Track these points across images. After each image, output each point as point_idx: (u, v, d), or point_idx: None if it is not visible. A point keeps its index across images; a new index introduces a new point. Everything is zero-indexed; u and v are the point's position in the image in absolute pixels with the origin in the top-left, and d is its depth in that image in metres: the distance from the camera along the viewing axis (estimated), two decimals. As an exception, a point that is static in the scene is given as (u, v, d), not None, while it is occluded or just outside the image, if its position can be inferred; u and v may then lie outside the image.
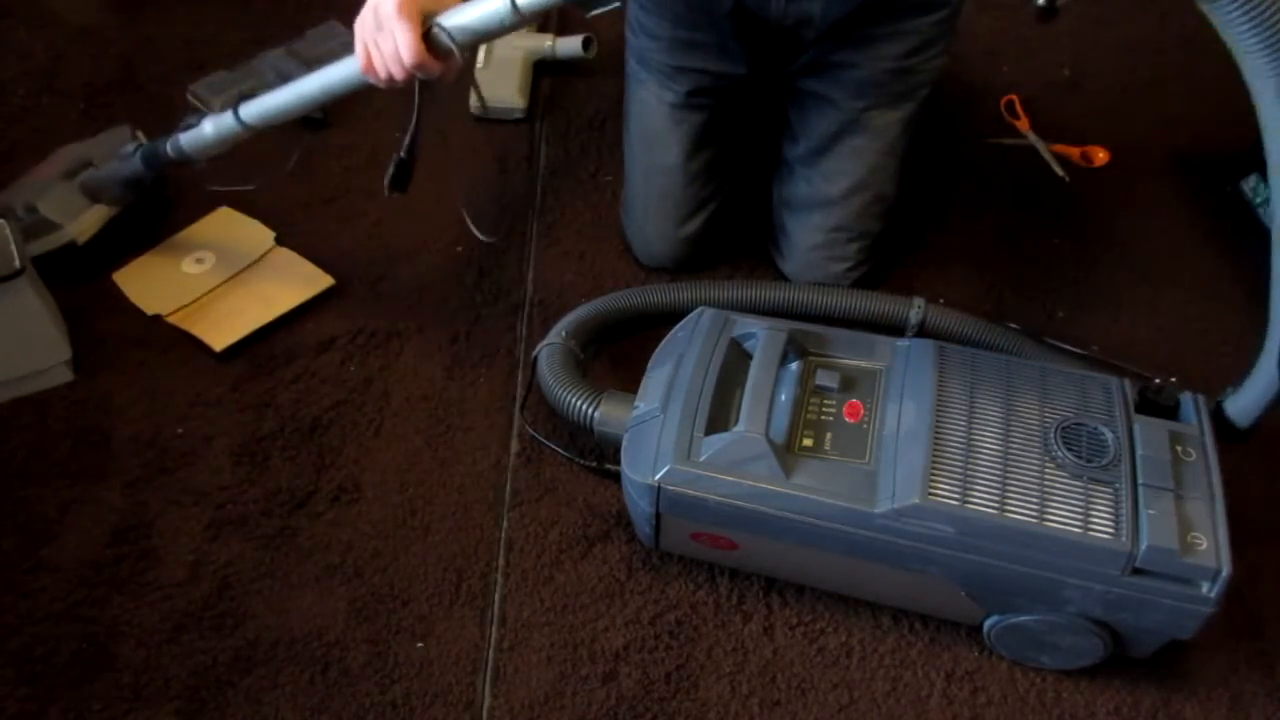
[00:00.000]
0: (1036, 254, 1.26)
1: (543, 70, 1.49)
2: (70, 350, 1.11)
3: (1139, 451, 0.82)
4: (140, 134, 1.34)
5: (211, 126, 1.03)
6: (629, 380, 1.00)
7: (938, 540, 0.80)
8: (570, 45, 1.46)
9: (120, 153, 1.16)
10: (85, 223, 1.18)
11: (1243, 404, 0.85)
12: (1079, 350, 1.11)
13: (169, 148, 1.09)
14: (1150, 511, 0.78)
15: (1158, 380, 0.90)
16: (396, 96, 1.49)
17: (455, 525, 1.00)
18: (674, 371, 0.92)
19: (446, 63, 0.87)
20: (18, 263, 1.02)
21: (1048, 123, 1.42)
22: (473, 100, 1.41)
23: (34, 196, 1.16)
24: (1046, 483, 0.80)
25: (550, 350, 1.03)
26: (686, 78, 1.11)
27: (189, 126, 1.06)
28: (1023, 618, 0.84)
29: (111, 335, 1.15)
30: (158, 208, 1.24)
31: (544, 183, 1.33)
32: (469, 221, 0.89)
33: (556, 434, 1.06)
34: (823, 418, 0.88)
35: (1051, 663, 0.89)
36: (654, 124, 1.14)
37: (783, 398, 0.88)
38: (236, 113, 1.00)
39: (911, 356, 0.90)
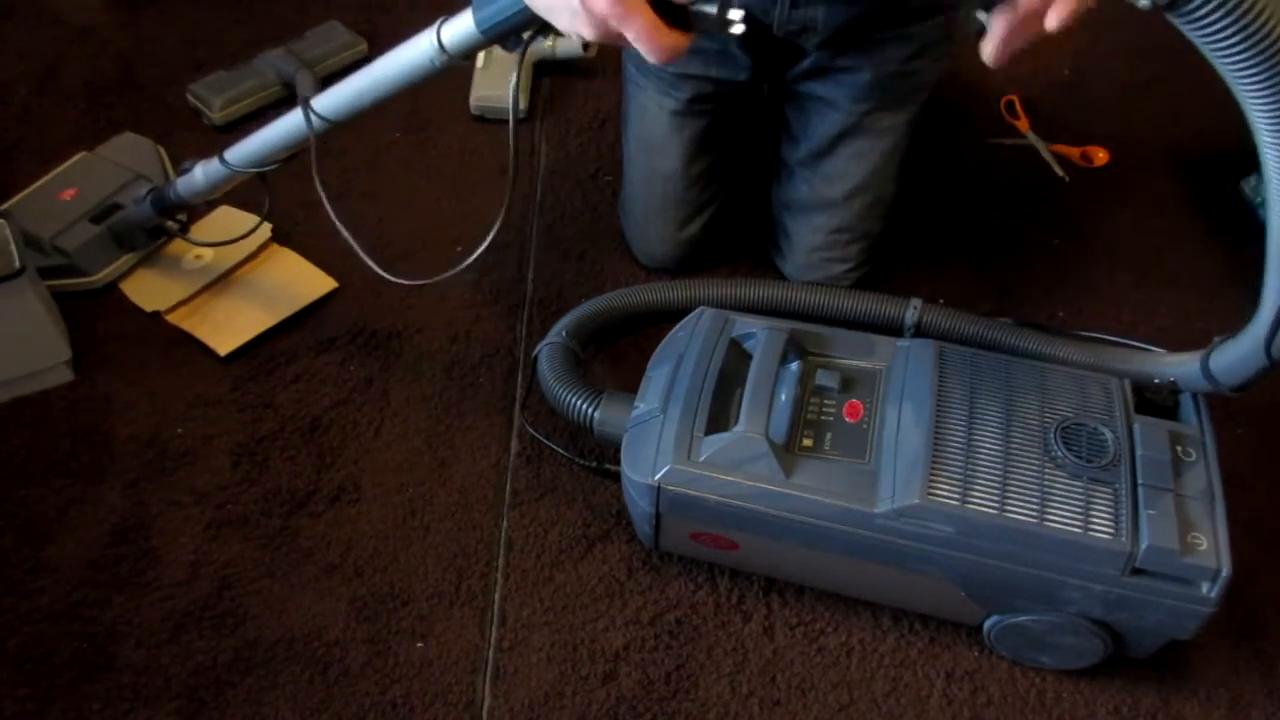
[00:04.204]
0: (1036, 254, 1.26)
1: (543, 70, 1.50)
2: (70, 350, 1.11)
3: (1139, 451, 0.82)
4: (157, 147, 1.35)
5: (202, 173, 1.06)
6: (629, 380, 1.00)
7: (938, 540, 0.80)
8: (570, 45, 1.46)
9: (135, 197, 1.18)
10: (112, 271, 1.20)
11: (1227, 362, 0.84)
12: (1083, 334, 1.10)
13: (171, 193, 1.11)
14: (1150, 511, 0.78)
15: (1157, 380, 0.90)
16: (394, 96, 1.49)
17: (455, 525, 1.00)
18: (674, 371, 0.92)
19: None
20: (18, 263, 1.02)
21: (1048, 123, 1.42)
22: (472, 100, 1.41)
23: (62, 236, 1.16)
24: (1046, 483, 0.80)
25: (550, 350, 1.03)
26: (687, 85, 1.11)
27: (185, 171, 1.08)
28: (1023, 618, 0.84)
29: (111, 335, 1.15)
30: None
31: (544, 183, 1.33)
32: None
33: (556, 434, 1.06)
34: (823, 418, 0.88)
35: (1051, 663, 0.89)
36: (654, 130, 1.14)
37: (783, 398, 0.88)
38: (222, 159, 1.02)
39: (911, 356, 0.90)
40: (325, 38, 1.50)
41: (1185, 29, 0.56)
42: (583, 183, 1.33)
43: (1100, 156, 1.37)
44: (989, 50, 0.62)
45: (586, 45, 1.45)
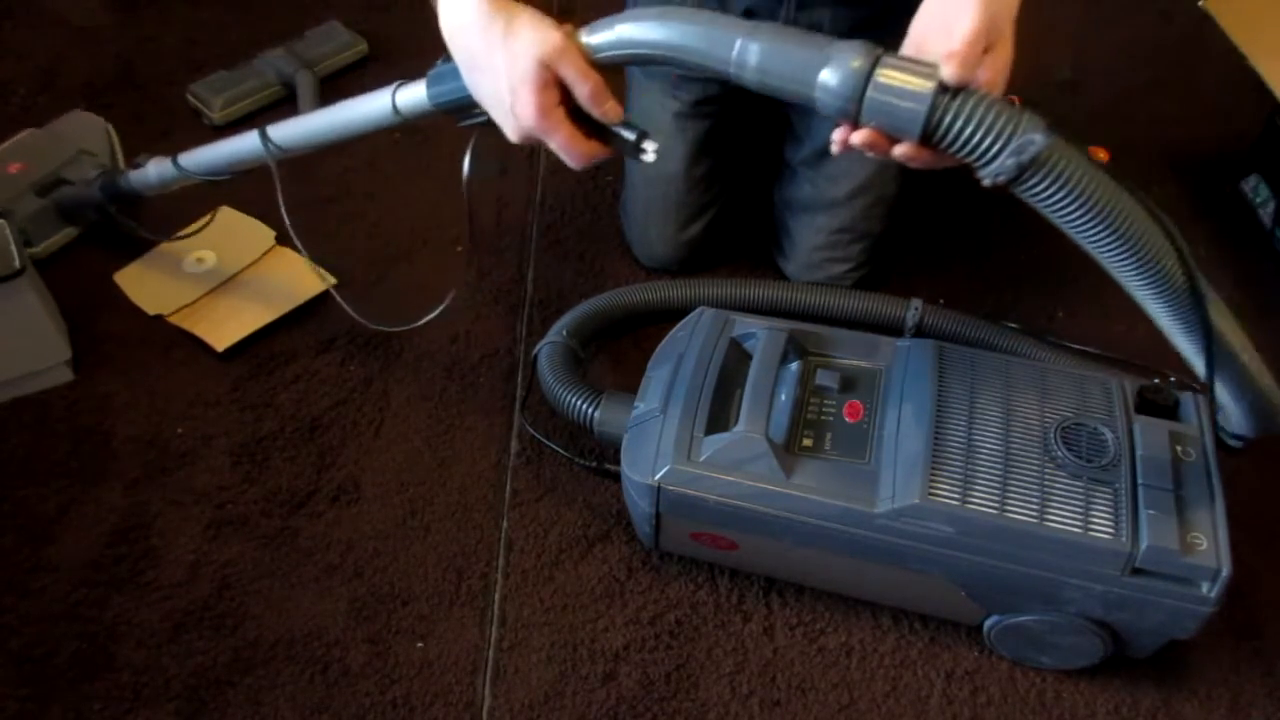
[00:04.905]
0: (1036, 254, 1.26)
1: (543, 70, 1.49)
2: (70, 350, 1.11)
3: (1139, 451, 0.82)
4: (106, 124, 1.37)
5: (154, 170, 1.10)
6: (629, 380, 1.00)
7: (938, 540, 0.80)
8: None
9: (86, 177, 1.21)
10: (54, 243, 1.24)
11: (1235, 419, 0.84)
12: (1077, 347, 1.11)
13: (123, 182, 1.15)
14: (1150, 511, 0.78)
15: (1157, 380, 0.90)
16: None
17: (455, 525, 1.00)
18: (674, 371, 0.92)
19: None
20: (18, 263, 1.02)
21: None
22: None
23: (7, 209, 1.18)
24: (1046, 483, 0.80)
25: (551, 349, 1.03)
26: (691, 87, 1.10)
27: (137, 165, 1.12)
28: (1023, 618, 0.84)
29: (111, 335, 1.15)
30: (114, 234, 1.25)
31: (544, 183, 1.33)
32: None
33: (556, 434, 1.06)
34: (823, 418, 0.88)
35: (1051, 663, 0.89)
36: (657, 132, 1.14)
37: (783, 398, 0.88)
38: (176, 161, 1.07)
39: (911, 356, 0.90)
40: (325, 38, 1.50)
41: (1029, 201, 0.63)
42: (583, 183, 1.33)
43: (1100, 156, 1.37)
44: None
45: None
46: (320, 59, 1.47)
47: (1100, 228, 0.61)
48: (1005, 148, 0.60)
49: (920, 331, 1.09)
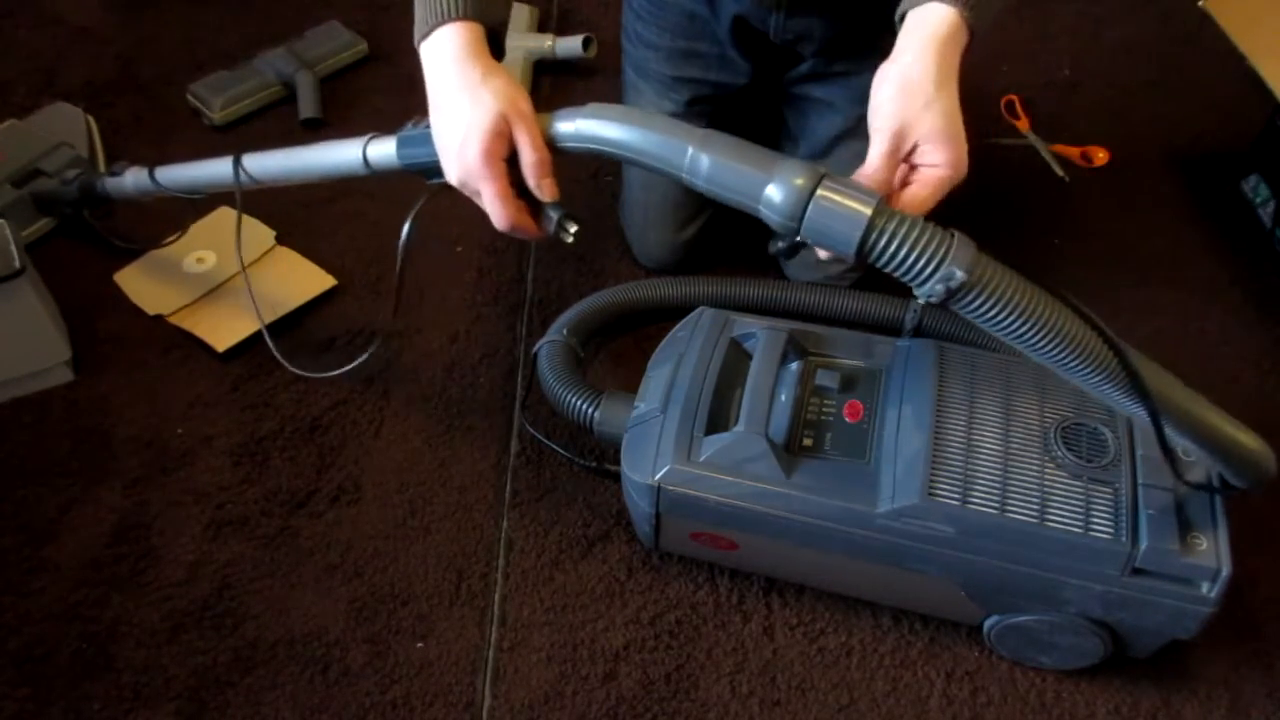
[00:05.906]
0: (1036, 254, 1.26)
1: (543, 70, 1.50)
2: (70, 350, 1.11)
3: (1139, 451, 0.82)
4: (86, 116, 1.38)
5: (131, 179, 1.12)
6: (629, 380, 1.00)
7: (938, 540, 0.80)
8: (570, 45, 1.46)
9: (65, 176, 1.23)
10: (32, 234, 1.25)
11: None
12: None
13: (99, 185, 1.16)
14: (1150, 511, 0.78)
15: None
16: (393, 97, 1.49)
17: (455, 525, 1.00)
18: (674, 371, 0.92)
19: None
20: (18, 263, 1.02)
21: (1048, 123, 1.42)
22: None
23: None
24: (1046, 483, 0.80)
25: (550, 348, 1.03)
26: (686, 87, 1.10)
27: (115, 173, 1.14)
28: (1023, 618, 0.84)
29: (111, 335, 1.15)
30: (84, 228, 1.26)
31: (544, 183, 1.33)
32: None
33: (556, 434, 1.06)
34: (823, 418, 0.88)
35: (1051, 663, 0.89)
36: None
37: (783, 398, 0.88)
38: (152, 174, 1.08)
39: (911, 356, 0.90)
40: (325, 38, 1.50)
41: (968, 318, 0.65)
42: (583, 183, 1.33)
43: (1100, 156, 1.37)
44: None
45: (586, 45, 1.45)
46: (320, 59, 1.47)
47: (1036, 332, 0.64)
48: (935, 273, 0.62)
49: (920, 331, 1.09)
